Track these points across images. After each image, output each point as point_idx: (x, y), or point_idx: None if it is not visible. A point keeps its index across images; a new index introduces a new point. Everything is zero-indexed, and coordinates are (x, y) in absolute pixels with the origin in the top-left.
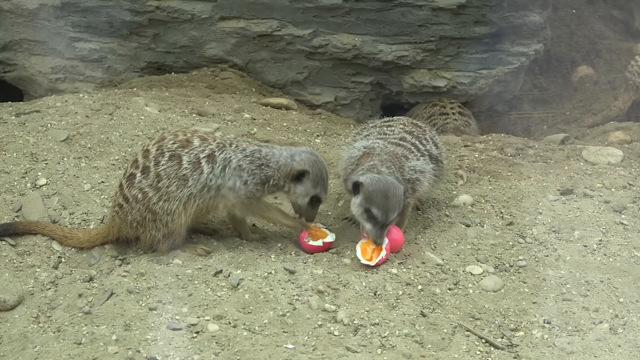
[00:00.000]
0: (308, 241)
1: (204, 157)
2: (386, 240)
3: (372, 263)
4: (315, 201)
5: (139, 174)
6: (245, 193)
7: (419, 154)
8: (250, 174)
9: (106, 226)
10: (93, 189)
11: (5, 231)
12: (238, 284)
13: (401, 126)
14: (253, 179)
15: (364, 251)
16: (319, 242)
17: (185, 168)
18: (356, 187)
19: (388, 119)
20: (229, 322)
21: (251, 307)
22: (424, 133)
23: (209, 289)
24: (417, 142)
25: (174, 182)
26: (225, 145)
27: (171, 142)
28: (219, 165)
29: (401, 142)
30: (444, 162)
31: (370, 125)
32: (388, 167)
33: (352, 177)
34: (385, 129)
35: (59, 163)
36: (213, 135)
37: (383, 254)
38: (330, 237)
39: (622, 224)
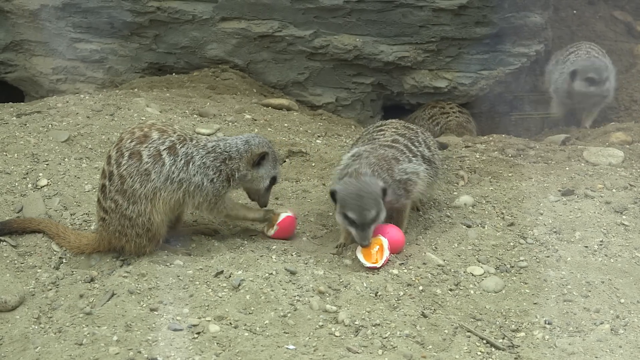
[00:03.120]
0: (268, 232)
1: (164, 149)
2: (386, 240)
3: (379, 265)
4: (273, 182)
5: (107, 183)
6: (212, 192)
7: (411, 155)
8: (216, 171)
9: (96, 238)
10: (94, 190)
11: (0, 231)
12: (239, 285)
13: (393, 129)
14: (219, 176)
15: (367, 255)
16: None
17: (146, 162)
18: (333, 197)
19: (381, 123)
20: (230, 323)
21: (252, 308)
22: (416, 135)
23: (210, 290)
24: (409, 144)
25: (137, 179)
26: (186, 139)
27: (129, 140)
28: (181, 159)
29: (393, 144)
30: (437, 164)
31: (364, 132)
32: (374, 170)
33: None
34: (375, 134)
35: (60, 164)
36: (172, 127)
37: (387, 254)
38: (284, 214)
39: (623, 224)
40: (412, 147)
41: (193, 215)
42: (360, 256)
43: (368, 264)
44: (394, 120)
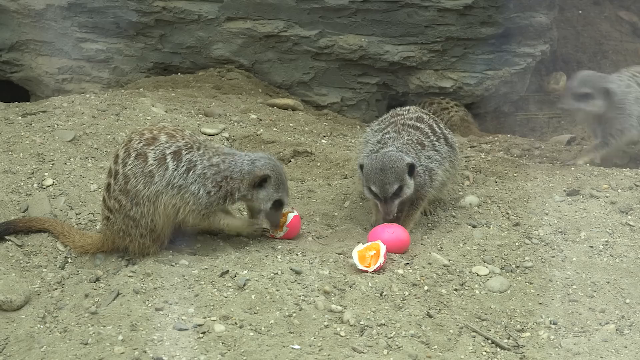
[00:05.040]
0: (277, 234)
1: (170, 153)
2: (384, 247)
3: (370, 269)
4: (278, 205)
5: (112, 182)
6: (206, 203)
7: (434, 138)
8: (215, 186)
9: (100, 238)
10: (99, 190)
11: (5, 231)
12: (244, 285)
13: (415, 108)
14: (218, 192)
15: (362, 257)
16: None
17: (151, 164)
18: (362, 170)
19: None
20: (235, 323)
21: (257, 308)
22: (437, 119)
23: (215, 290)
24: (433, 124)
25: (141, 180)
26: (193, 146)
27: (137, 142)
28: (183, 165)
29: (417, 124)
30: (456, 148)
31: (381, 119)
32: (401, 151)
33: None
34: (398, 110)
35: (65, 163)
36: (183, 132)
37: (381, 260)
38: (292, 214)
39: (629, 224)
40: (437, 129)
41: None
42: (355, 257)
43: (360, 267)
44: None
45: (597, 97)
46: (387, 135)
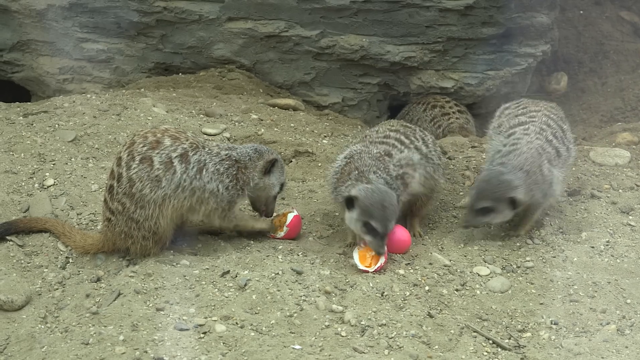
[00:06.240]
0: (277, 234)
1: (176, 156)
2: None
3: (371, 270)
4: (281, 189)
5: (115, 184)
6: (227, 198)
7: (402, 147)
8: (232, 179)
9: (101, 238)
10: (100, 190)
11: (6, 231)
12: (245, 285)
13: (387, 126)
14: (236, 185)
15: (362, 258)
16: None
17: (157, 169)
18: (350, 202)
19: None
20: (236, 323)
21: (258, 308)
22: (413, 132)
23: (216, 290)
24: (402, 137)
25: (147, 185)
26: (199, 146)
27: (141, 145)
28: (193, 167)
29: (384, 140)
30: (435, 161)
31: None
32: (374, 171)
33: (342, 189)
34: (368, 131)
35: (66, 163)
36: (185, 134)
37: (382, 260)
38: (292, 214)
39: (630, 225)
40: (406, 140)
41: None
42: (355, 257)
43: (361, 267)
44: (392, 120)
45: (501, 208)
46: (355, 149)
